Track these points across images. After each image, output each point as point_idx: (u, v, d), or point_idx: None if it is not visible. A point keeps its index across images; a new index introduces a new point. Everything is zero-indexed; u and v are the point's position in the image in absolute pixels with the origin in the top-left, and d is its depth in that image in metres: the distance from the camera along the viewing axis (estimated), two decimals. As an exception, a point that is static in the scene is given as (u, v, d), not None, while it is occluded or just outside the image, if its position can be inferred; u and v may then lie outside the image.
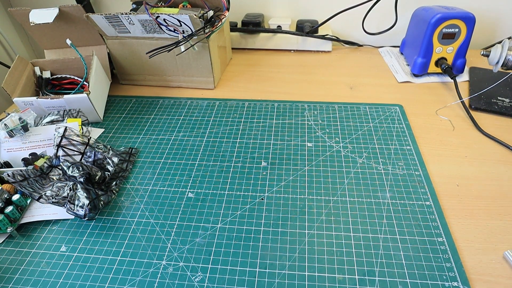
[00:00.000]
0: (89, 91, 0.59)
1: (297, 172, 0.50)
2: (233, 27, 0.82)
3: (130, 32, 0.64)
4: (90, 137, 0.53)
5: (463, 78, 0.70)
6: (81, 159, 0.50)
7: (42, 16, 0.62)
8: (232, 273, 0.39)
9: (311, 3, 0.83)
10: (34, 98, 0.58)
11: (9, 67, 0.76)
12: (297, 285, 0.37)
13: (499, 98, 0.63)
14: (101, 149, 0.52)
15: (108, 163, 0.50)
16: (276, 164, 0.52)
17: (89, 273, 0.40)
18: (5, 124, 0.53)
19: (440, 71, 0.68)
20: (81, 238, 0.43)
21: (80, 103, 0.59)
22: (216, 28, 0.63)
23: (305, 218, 0.44)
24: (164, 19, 0.59)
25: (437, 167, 0.51)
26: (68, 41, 0.61)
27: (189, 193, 0.48)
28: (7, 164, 0.51)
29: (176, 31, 0.61)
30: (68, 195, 0.45)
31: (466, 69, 0.72)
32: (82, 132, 0.55)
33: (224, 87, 0.71)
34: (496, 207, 0.45)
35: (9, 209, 0.44)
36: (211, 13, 0.63)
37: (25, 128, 0.54)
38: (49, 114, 0.58)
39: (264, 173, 0.51)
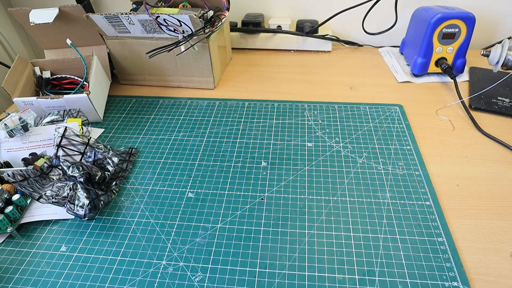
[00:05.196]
0: (89, 91, 0.59)
1: (297, 172, 0.50)
2: (233, 27, 0.82)
3: (130, 32, 0.64)
4: (90, 137, 0.53)
5: (463, 78, 0.70)
6: (81, 159, 0.50)
7: (42, 16, 0.62)
8: (232, 273, 0.39)
9: (311, 3, 0.83)
10: (34, 98, 0.58)
11: (9, 67, 0.76)
12: (297, 285, 0.37)
13: (499, 98, 0.63)
14: (101, 149, 0.52)
15: (108, 163, 0.50)
16: (276, 164, 0.52)
17: (89, 273, 0.40)
18: (5, 124, 0.53)
19: (440, 71, 0.68)
20: (81, 238, 0.43)
21: (80, 103, 0.59)
22: (216, 28, 0.63)
23: (305, 218, 0.44)
24: (164, 19, 0.59)
25: (437, 167, 0.51)
26: (68, 41, 0.61)
27: (189, 193, 0.48)
28: (7, 164, 0.51)
29: (176, 31, 0.61)
30: (68, 195, 0.45)
31: (466, 69, 0.72)
32: (82, 132, 0.55)
33: (224, 87, 0.71)
34: (496, 207, 0.45)
35: (9, 209, 0.44)
36: (211, 13, 0.63)
37: (25, 128, 0.54)
38: (49, 114, 0.58)
39: (264, 173, 0.51)
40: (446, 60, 0.67)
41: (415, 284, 0.37)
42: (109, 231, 0.44)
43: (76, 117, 0.58)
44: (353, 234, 0.42)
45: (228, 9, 0.66)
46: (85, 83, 0.63)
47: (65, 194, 0.45)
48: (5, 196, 0.45)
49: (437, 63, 0.68)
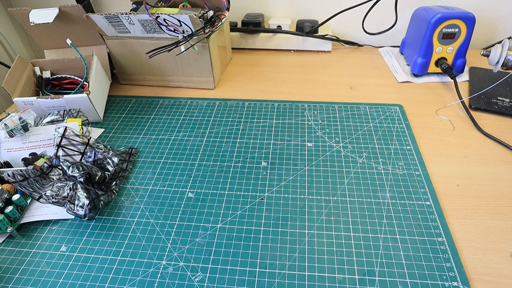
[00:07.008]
0: (89, 91, 0.59)
1: (297, 172, 0.50)
2: (233, 27, 0.82)
3: (130, 32, 0.64)
4: (90, 137, 0.53)
5: (463, 78, 0.70)
6: (81, 159, 0.50)
7: (42, 16, 0.62)
8: (232, 273, 0.39)
9: (311, 3, 0.83)
10: (34, 98, 0.58)
11: (9, 67, 0.76)
12: (297, 285, 0.37)
13: (499, 98, 0.63)
14: (101, 149, 0.52)
15: (108, 163, 0.50)
16: (276, 164, 0.52)
17: (89, 273, 0.40)
18: (5, 124, 0.53)
19: (440, 71, 0.68)
20: (81, 238, 0.43)
21: (80, 103, 0.59)
22: (216, 28, 0.63)
23: (305, 218, 0.44)
24: (164, 19, 0.59)
25: (437, 167, 0.51)
26: (68, 41, 0.61)
27: (189, 193, 0.48)
28: (7, 164, 0.51)
29: (176, 31, 0.61)
30: (68, 195, 0.45)
31: (466, 69, 0.72)
32: (82, 132, 0.55)
33: (224, 87, 0.71)
34: (496, 207, 0.45)
35: (9, 209, 0.44)
36: (211, 13, 0.63)
37: (25, 128, 0.54)
38: (49, 114, 0.58)
39: (264, 173, 0.51)
40: (446, 60, 0.67)
41: (415, 284, 0.37)
42: (109, 231, 0.44)
43: (76, 117, 0.58)
44: (353, 234, 0.42)
45: (228, 9, 0.66)
46: (85, 83, 0.63)
47: (65, 194, 0.45)
48: (5, 196, 0.45)
49: (437, 63, 0.68)
